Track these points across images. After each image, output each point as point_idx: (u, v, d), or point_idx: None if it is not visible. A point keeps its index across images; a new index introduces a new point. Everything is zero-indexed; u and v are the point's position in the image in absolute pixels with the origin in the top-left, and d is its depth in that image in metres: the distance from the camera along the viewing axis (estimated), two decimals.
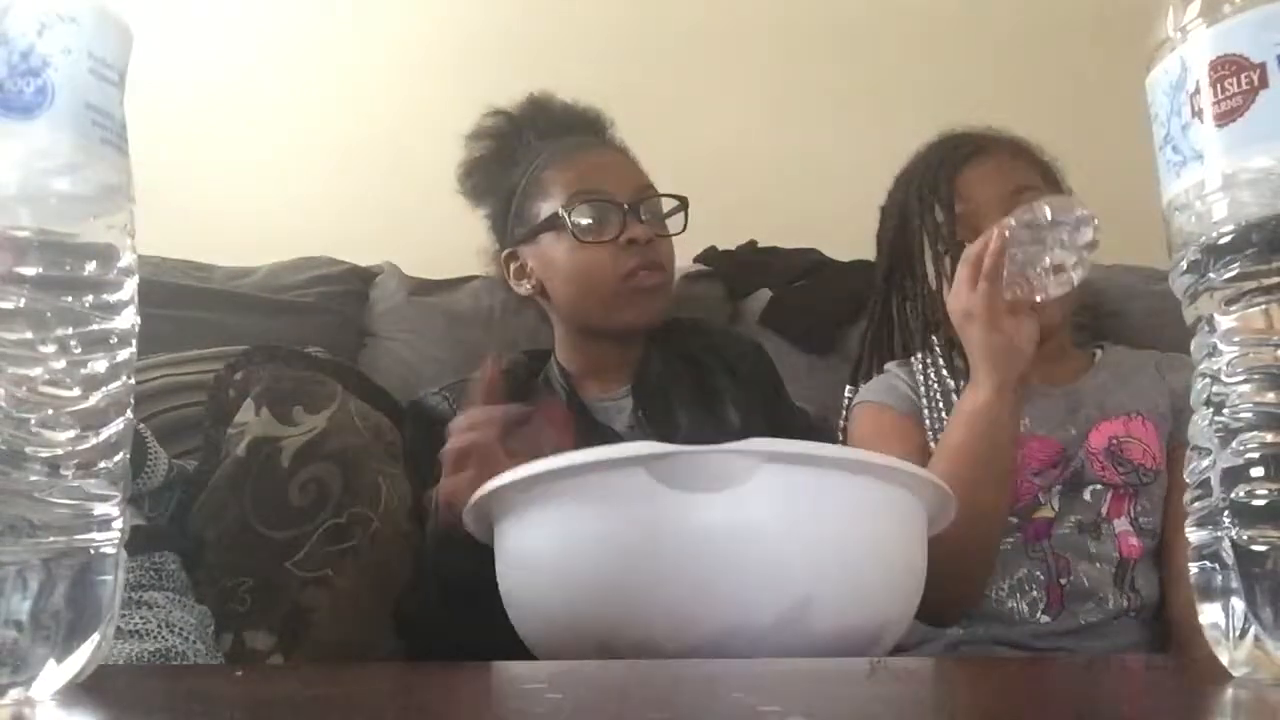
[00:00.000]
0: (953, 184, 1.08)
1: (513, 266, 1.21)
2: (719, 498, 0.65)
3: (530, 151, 1.21)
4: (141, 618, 0.89)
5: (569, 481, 0.68)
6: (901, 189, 1.12)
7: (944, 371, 1.06)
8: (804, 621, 0.64)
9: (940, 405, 1.05)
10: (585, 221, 1.12)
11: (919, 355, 1.08)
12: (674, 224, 1.19)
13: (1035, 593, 0.98)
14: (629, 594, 0.65)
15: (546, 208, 1.15)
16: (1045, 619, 0.98)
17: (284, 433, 1.09)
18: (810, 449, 0.68)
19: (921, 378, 1.07)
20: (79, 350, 0.39)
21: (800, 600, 0.64)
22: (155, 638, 0.89)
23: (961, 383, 1.04)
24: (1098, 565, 0.98)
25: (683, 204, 1.19)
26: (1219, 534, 0.40)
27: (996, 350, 0.90)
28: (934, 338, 1.08)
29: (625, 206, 1.12)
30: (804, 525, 0.66)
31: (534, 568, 0.70)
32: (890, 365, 1.11)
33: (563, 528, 0.68)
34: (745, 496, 0.65)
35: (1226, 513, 0.40)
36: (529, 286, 1.19)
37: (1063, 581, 0.98)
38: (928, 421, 1.03)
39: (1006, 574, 0.99)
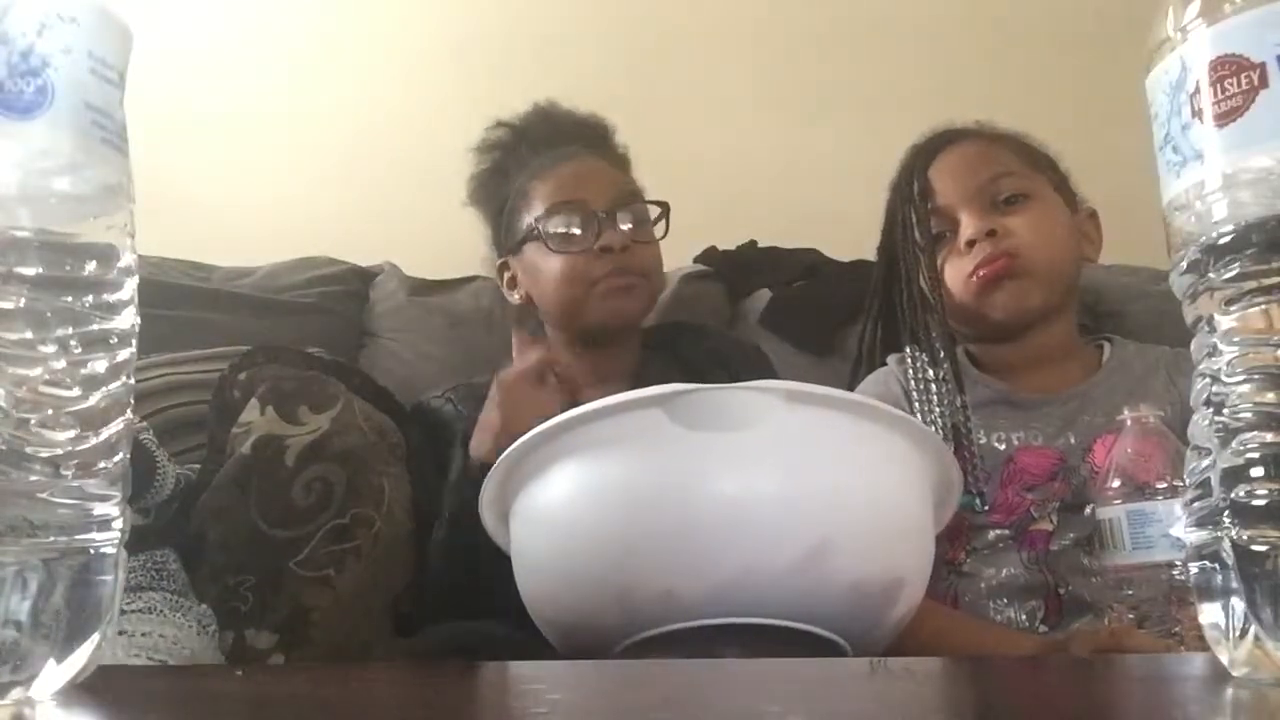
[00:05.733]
0: (925, 179, 1.08)
1: (505, 276, 1.23)
2: (737, 437, 0.65)
3: (521, 165, 1.22)
4: (138, 645, 0.89)
5: (587, 430, 0.68)
6: (890, 194, 1.13)
7: (926, 362, 1.06)
8: (822, 566, 0.64)
9: (925, 397, 1.04)
10: (559, 230, 1.14)
11: (908, 349, 1.08)
12: (660, 229, 1.19)
13: (1034, 602, 0.97)
14: (648, 538, 0.65)
15: (528, 218, 1.16)
16: (1044, 628, 0.96)
17: (289, 432, 1.09)
18: (828, 391, 0.69)
19: (911, 371, 1.06)
20: (79, 350, 0.39)
21: (818, 542, 0.64)
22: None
23: (944, 371, 1.04)
24: (1094, 579, 0.95)
25: (664, 209, 1.19)
26: (1219, 534, 0.40)
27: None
28: (919, 332, 1.08)
29: (601, 214, 1.13)
30: (822, 465, 0.67)
31: (554, 524, 0.71)
32: (891, 359, 1.11)
33: (582, 478, 0.69)
34: (764, 435, 0.65)
35: (1226, 513, 0.40)
36: (518, 297, 1.21)
37: (1061, 591, 0.96)
38: (918, 416, 1.03)
39: (1001, 578, 0.98)
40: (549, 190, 1.16)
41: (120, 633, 0.87)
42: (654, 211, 1.19)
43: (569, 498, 0.69)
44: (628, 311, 1.15)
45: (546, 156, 1.20)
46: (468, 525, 0.96)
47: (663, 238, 1.20)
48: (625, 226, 1.14)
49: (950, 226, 1.06)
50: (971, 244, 1.03)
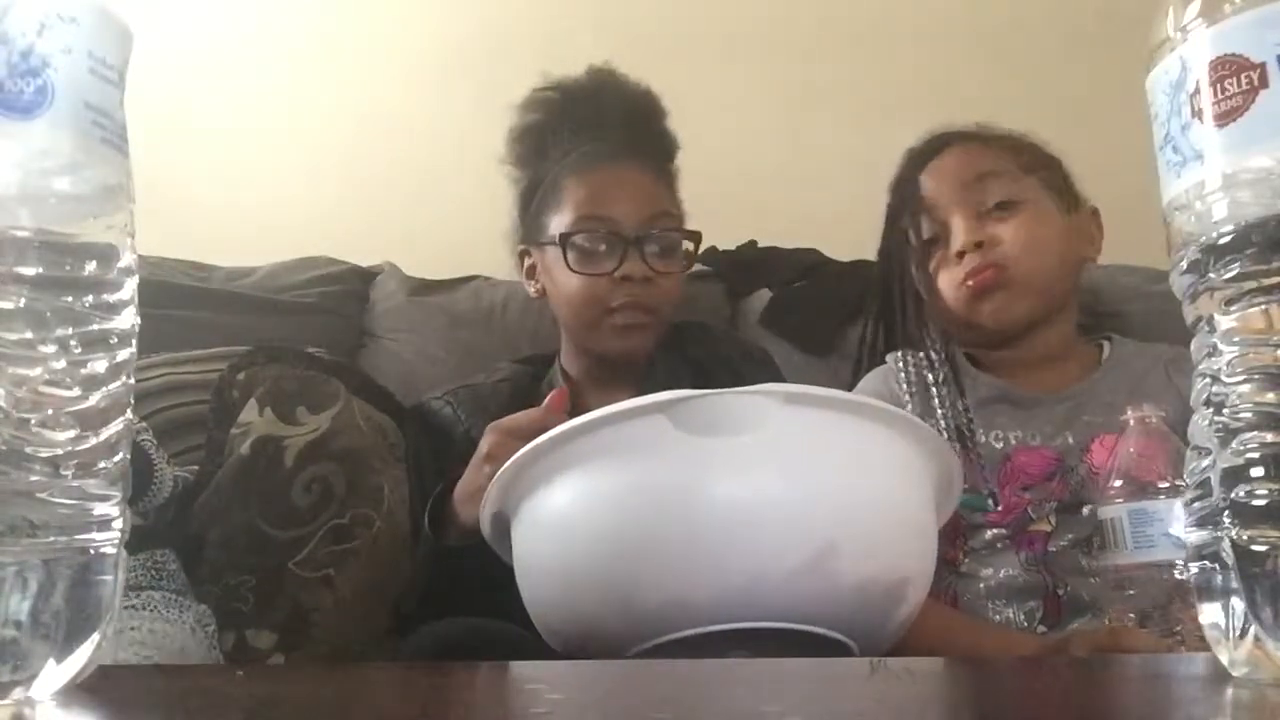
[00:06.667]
0: (917, 183, 1.08)
1: (526, 263, 1.21)
2: (740, 441, 0.65)
3: (560, 148, 1.18)
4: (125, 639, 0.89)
5: (590, 438, 0.68)
6: (888, 197, 1.13)
7: (926, 364, 1.06)
8: (828, 567, 0.64)
9: (926, 398, 1.04)
10: (583, 251, 1.11)
11: (908, 350, 1.08)
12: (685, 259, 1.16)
13: (1033, 603, 0.96)
14: (654, 543, 0.65)
15: (555, 222, 1.13)
16: (1042, 628, 0.96)
17: (288, 432, 1.09)
18: (829, 392, 0.69)
19: (912, 370, 1.06)
20: (79, 350, 0.39)
21: (824, 544, 0.64)
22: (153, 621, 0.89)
23: (944, 375, 1.04)
24: (1093, 580, 0.95)
25: (694, 239, 1.16)
26: (1219, 534, 0.40)
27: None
28: (919, 332, 1.08)
29: (629, 238, 1.10)
30: (825, 467, 0.66)
31: (558, 533, 0.70)
32: (890, 357, 1.11)
33: (586, 486, 0.68)
34: (766, 439, 0.65)
35: (1226, 513, 0.40)
36: (535, 290, 1.20)
37: (1060, 592, 0.96)
38: (919, 417, 1.03)
39: (999, 578, 0.98)
40: (580, 198, 1.12)
41: None
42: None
43: (573, 506, 0.69)
44: (634, 348, 1.13)
45: (586, 151, 1.16)
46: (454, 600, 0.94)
47: (689, 269, 1.17)
48: (651, 249, 1.11)
49: (943, 231, 1.06)
50: (961, 254, 1.04)
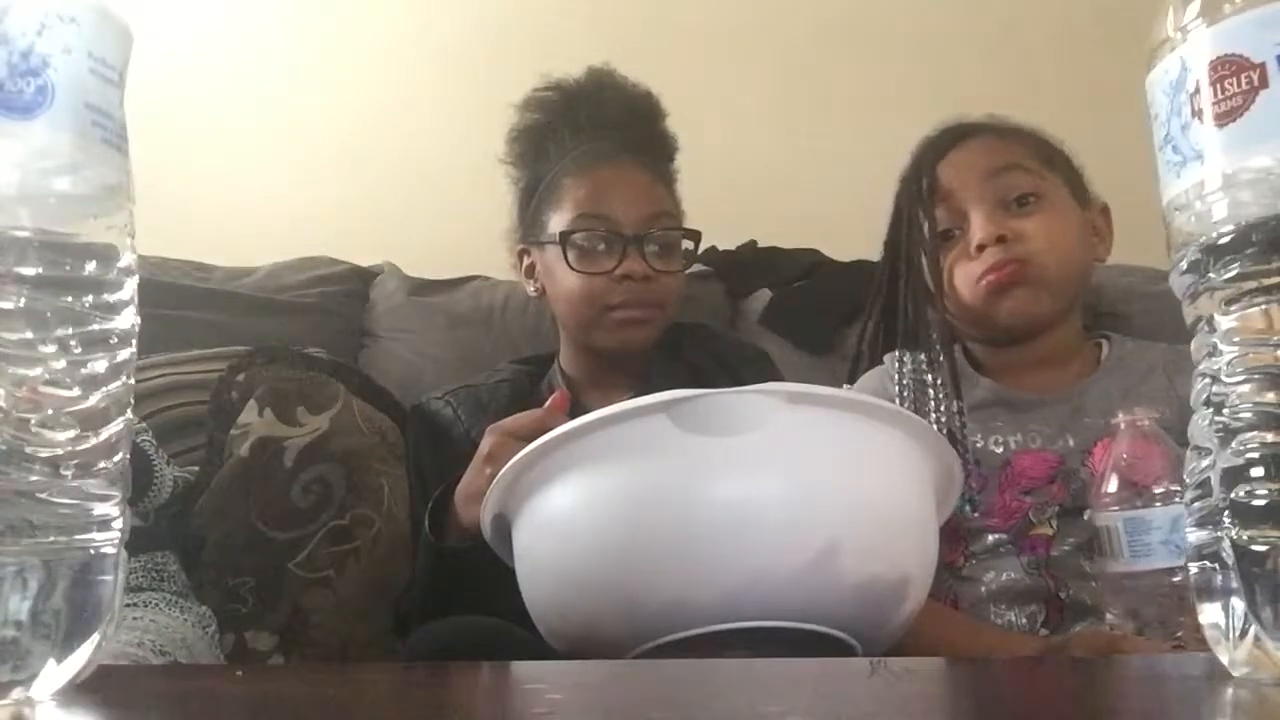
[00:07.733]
0: (934, 173, 1.06)
1: (525, 262, 1.21)
2: (742, 440, 0.65)
3: (561, 147, 1.19)
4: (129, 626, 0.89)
5: (591, 439, 0.68)
6: (899, 187, 1.11)
7: (924, 364, 1.05)
8: (830, 566, 0.64)
9: (922, 398, 1.03)
10: (583, 249, 1.11)
11: (906, 350, 1.07)
12: (685, 257, 1.16)
13: (1034, 606, 0.96)
14: (656, 543, 0.65)
15: (555, 220, 1.14)
16: (1044, 633, 0.95)
17: (287, 433, 1.09)
18: (831, 392, 0.69)
19: (910, 370, 1.05)
20: (79, 350, 0.39)
21: (826, 543, 0.64)
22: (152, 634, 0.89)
23: (941, 376, 1.03)
24: (1094, 584, 0.93)
25: (694, 238, 1.16)
26: (1219, 534, 0.40)
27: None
28: (920, 331, 1.07)
29: (628, 236, 1.10)
30: (827, 466, 0.67)
31: (559, 533, 0.70)
32: (888, 357, 1.09)
33: (587, 486, 0.68)
34: (768, 438, 0.65)
35: (1226, 513, 0.40)
36: (534, 289, 1.20)
37: (1062, 595, 0.95)
38: None
39: (1001, 581, 0.97)
40: (580, 197, 1.12)
41: None
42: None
43: (575, 507, 0.69)
44: (636, 343, 1.14)
45: (586, 150, 1.17)
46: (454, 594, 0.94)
47: (688, 267, 1.17)
48: (651, 248, 1.11)
49: (959, 224, 1.04)
50: (981, 248, 1.01)
